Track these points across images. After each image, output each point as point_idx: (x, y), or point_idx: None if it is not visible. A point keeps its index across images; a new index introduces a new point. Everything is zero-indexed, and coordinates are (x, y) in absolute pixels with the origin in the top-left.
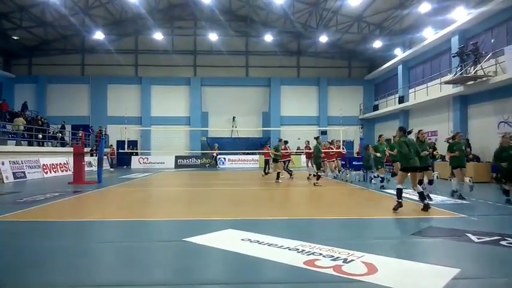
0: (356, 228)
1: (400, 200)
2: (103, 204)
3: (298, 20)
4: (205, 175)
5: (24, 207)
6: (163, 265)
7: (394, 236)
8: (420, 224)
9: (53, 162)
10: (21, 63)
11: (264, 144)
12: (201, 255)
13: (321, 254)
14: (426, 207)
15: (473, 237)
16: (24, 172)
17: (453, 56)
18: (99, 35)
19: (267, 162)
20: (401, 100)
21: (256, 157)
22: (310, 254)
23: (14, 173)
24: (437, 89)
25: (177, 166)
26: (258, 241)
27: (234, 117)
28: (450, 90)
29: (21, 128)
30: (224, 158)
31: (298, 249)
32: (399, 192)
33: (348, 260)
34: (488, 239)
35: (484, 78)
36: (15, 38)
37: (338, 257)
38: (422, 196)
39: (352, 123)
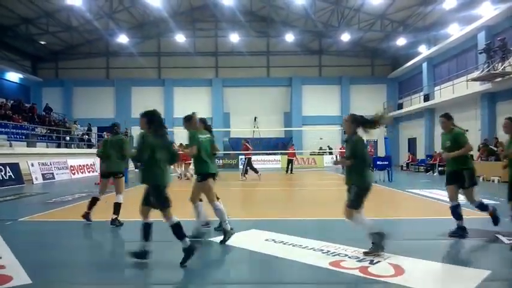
0: (382, 229)
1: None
2: (129, 204)
3: (320, 19)
4: (227, 175)
5: (53, 207)
6: (188, 265)
7: (421, 237)
8: (448, 225)
9: (80, 163)
10: (48, 67)
11: (288, 144)
12: (225, 255)
13: (346, 255)
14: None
15: (504, 239)
16: (52, 173)
17: (480, 53)
18: (123, 39)
19: (290, 162)
20: (426, 98)
21: (278, 157)
22: (335, 255)
23: (43, 174)
24: (464, 86)
25: None
26: (283, 241)
27: (255, 118)
28: (477, 87)
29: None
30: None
31: (323, 250)
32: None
33: (374, 261)
34: None
35: None
36: (42, 42)
37: (364, 258)
38: None
39: None
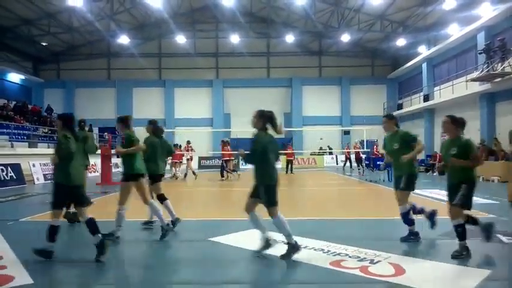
0: (382, 229)
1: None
2: (130, 205)
3: (320, 20)
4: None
5: None
6: (189, 265)
7: (421, 237)
8: (447, 225)
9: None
10: (50, 69)
11: (286, 144)
12: (226, 255)
13: (347, 255)
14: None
15: (503, 238)
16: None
17: (479, 53)
18: (124, 40)
19: (289, 162)
20: (426, 98)
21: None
22: (336, 255)
23: (44, 175)
24: (463, 86)
25: (200, 167)
26: (283, 241)
27: None
28: (477, 87)
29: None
30: None
31: (323, 250)
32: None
33: (374, 261)
34: None
35: None
36: (43, 44)
37: (364, 258)
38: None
39: (375, 122)
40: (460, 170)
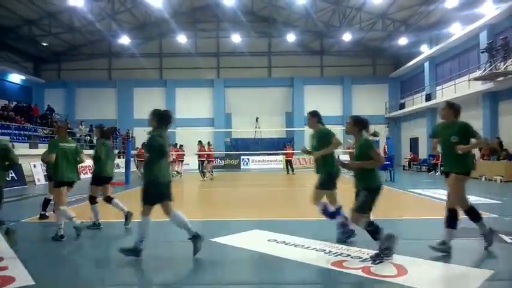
0: (384, 229)
1: None
2: (130, 205)
3: (321, 19)
4: (229, 176)
5: None
6: (190, 265)
7: (424, 237)
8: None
9: (82, 164)
10: (51, 69)
11: (285, 144)
12: (227, 256)
13: (348, 255)
14: None
15: (506, 238)
16: None
17: (482, 52)
18: (124, 40)
19: (288, 162)
20: (428, 98)
21: (280, 157)
22: (337, 255)
23: (45, 175)
24: (466, 85)
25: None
26: (285, 242)
27: (257, 118)
28: (479, 86)
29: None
30: (248, 159)
31: (325, 250)
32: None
33: (377, 261)
34: None
35: None
36: (44, 44)
37: (366, 258)
38: None
39: (377, 122)
40: (361, 173)
